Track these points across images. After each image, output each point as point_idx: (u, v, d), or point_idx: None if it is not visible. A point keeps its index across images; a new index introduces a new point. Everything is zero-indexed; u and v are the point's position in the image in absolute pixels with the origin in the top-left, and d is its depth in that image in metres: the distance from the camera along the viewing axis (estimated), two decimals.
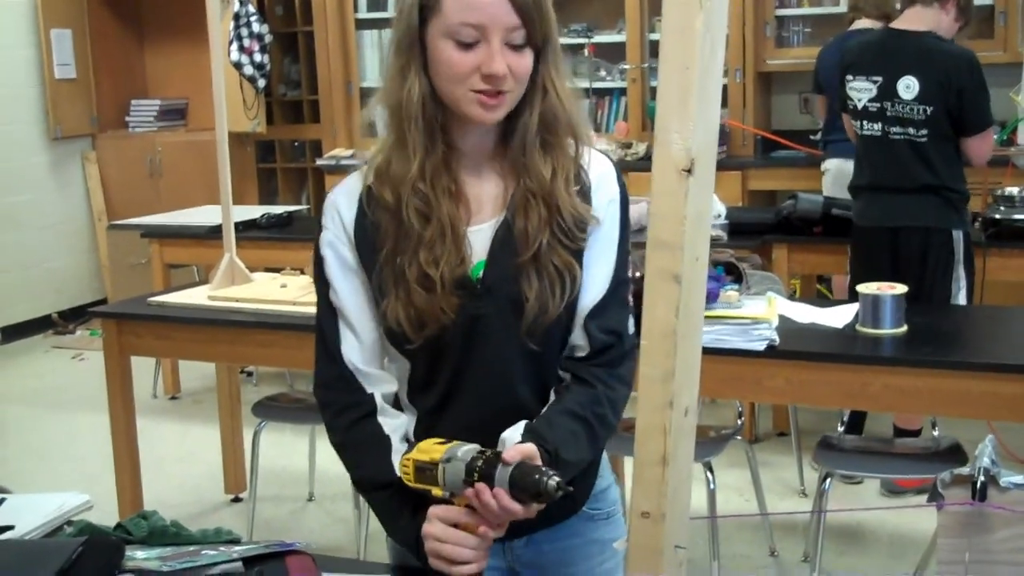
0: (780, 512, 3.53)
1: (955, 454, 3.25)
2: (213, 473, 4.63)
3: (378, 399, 1.69)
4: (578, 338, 1.68)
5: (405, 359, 1.70)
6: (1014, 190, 4.43)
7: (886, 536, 4.02)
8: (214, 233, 4.68)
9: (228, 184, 3.82)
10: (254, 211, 5.57)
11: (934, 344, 3.08)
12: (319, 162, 6.91)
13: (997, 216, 4.33)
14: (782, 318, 3.18)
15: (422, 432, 1.69)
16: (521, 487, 1.42)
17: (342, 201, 1.70)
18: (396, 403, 1.74)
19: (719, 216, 4.43)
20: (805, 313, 3.30)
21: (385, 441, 1.66)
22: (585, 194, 1.68)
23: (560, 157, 1.66)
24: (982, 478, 1.32)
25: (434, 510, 1.52)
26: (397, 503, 1.60)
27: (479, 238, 1.66)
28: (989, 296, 4.28)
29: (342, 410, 1.70)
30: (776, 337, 3.05)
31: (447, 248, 1.62)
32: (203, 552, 1.52)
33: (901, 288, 3.15)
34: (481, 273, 1.65)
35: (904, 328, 3.13)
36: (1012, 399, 2.87)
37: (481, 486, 1.45)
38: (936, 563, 1.37)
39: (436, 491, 1.49)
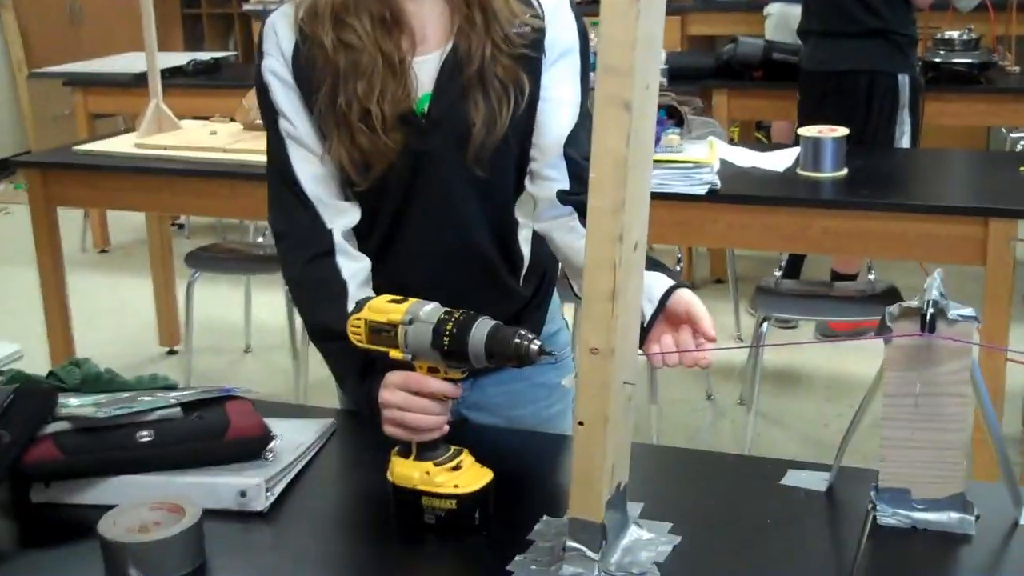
0: (726, 347, 3.56)
1: (891, 297, 3.29)
2: (147, 326, 4.57)
3: (337, 236, 1.59)
4: (552, 170, 1.59)
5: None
6: (954, 34, 4.40)
7: (820, 379, 4.10)
8: (140, 80, 4.52)
9: (152, 27, 3.67)
10: (180, 58, 5.39)
11: (873, 187, 3.08)
12: (246, 7, 6.67)
13: (937, 60, 4.30)
14: (723, 162, 3.16)
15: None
16: (500, 353, 1.32)
17: (282, 26, 1.59)
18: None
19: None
20: (746, 157, 3.28)
21: (342, 287, 1.57)
22: (539, 18, 1.59)
23: None
24: (931, 310, 1.31)
25: (392, 377, 1.41)
26: (348, 359, 1.51)
27: (425, 69, 1.57)
28: (928, 140, 4.29)
29: (299, 244, 1.60)
30: (718, 181, 3.03)
31: (388, 81, 1.53)
32: (140, 398, 1.48)
33: (842, 131, 3.13)
34: (427, 106, 1.57)
35: (844, 171, 3.12)
36: (948, 240, 2.89)
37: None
38: (883, 396, 1.37)
39: (395, 353, 1.38)
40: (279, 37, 1.58)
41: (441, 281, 1.59)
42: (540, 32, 1.58)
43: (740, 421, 3.73)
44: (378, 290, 1.50)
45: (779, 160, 3.25)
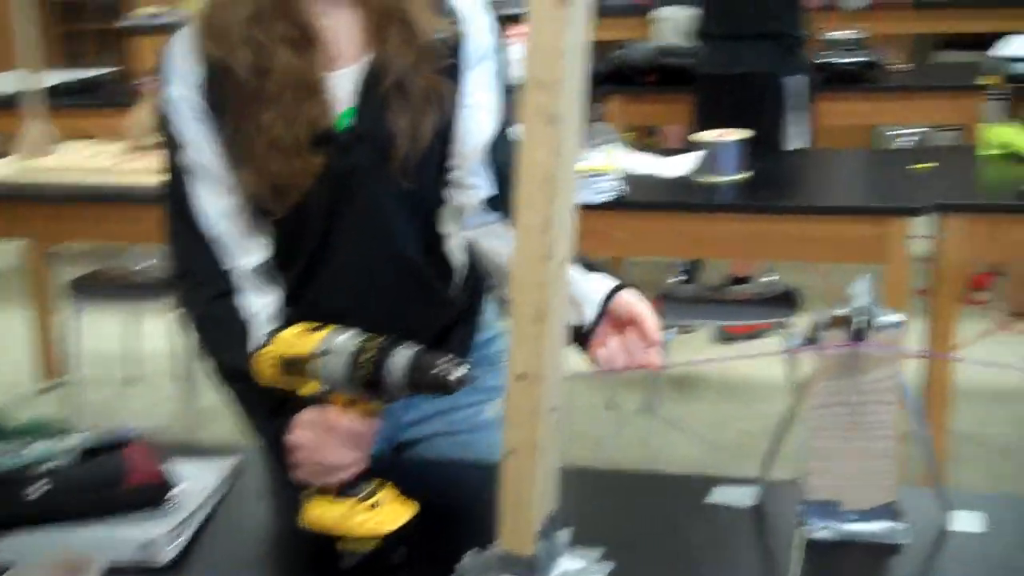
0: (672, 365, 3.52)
1: (788, 299, 3.31)
2: (28, 358, 4.38)
3: (240, 275, 1.50)
4: (475, 177, 1.55)
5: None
6: (841, 34, 4.45)
7: (717, 383, 4.10)
8: (15, 100, 4.32)
9: (32, 44, 3.53)
10: (59, 76, 5.18)
11: (772, 189, 3.09)
12: (126, 23, 6.46)
13: (824, 60, 4.35)
14: (622, 169, 3.14)
15: (291, 304, 1.55)
16: (420, 382, 1.24)
17: (184, 51, 1.49)
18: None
19: None
20: (645, 163, 3.26)
21: (244, 326, 1.47)
22: (457, 24, 1.54)
23: None
24: (863, 318, 1.29)
25: (306, 416, 1.33)
26: (255, 398, 1.42)
27: (343, 83, 1.49)
28: (820, 140, 4.33)
29: (199, 284, 1.50)
30: (622, 188, 3.00)
31: (301, 104, 1.45)
32: (30, 446, 1.38)
33: (741, 134, 3.13)
34: (350, 121, 1.50)
35: (744, 174, 3.12)
36: (848, 241, 2.91)
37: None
38: (812, 406, 1.34)
39: (310, 387, 1.30)
40: (181, 62, 1.49)
41: (371, 297, 1.53)
42: (459, 38, 1.53)
43: (643, 428, 3.71)
44: (306, 314, 1.42)
45: (678, 165, 3.24)
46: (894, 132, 5.53)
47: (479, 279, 1.69)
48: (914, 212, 2.84)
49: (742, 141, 3.11)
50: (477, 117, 1.55)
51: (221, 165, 1.48)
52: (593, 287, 1.42)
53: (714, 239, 3.01)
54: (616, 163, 3.08)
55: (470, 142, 1.55)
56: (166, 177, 1.52)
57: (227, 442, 1.71)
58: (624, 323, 1.40)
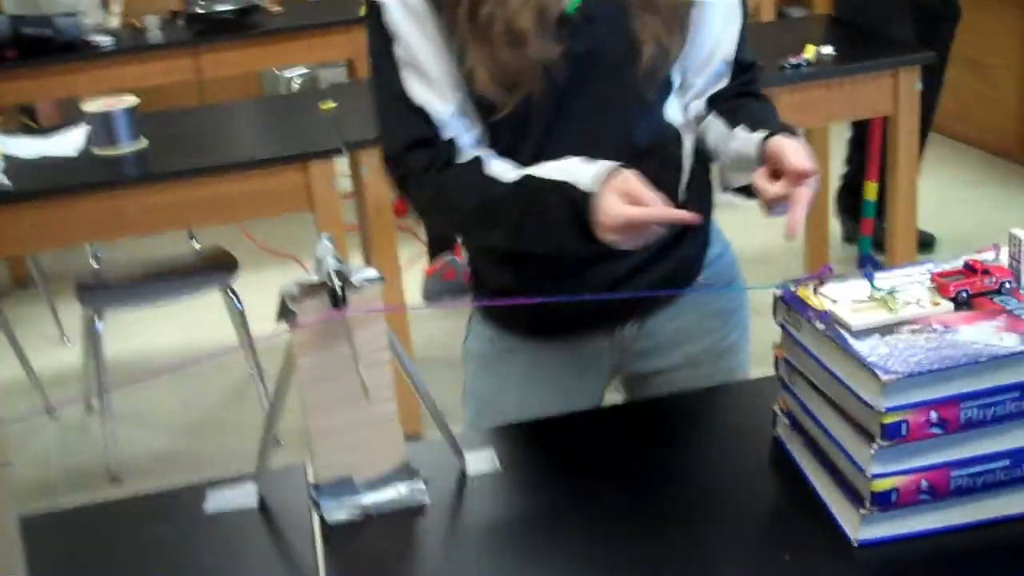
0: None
1: (222, 259, 3.23)
2: None
3: (459, 147, 1.43)
4: (721, 69, 1.50)
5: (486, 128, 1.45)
6: None
7: (170, 364, 3.83)
8: None
9: None
10: None
11: (180, 153, 2.92)
12: None
13: (199, 11, 4.19)
14: (6, 158, 2.79)
15: None
16: None
17: None
18: None
19: None
20: (31, 146, 2.94)
21: (477, 161, 1.41)
22: None
23: None
24: (340, 282, 1.17)
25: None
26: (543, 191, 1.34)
27: None
28: (208, 94, 4.16)
29: (427, 167, 1.41)
30: (5, 180, 2.66)
31: None
32: None
33: (131, 100, 2.92)
34: (579, 5, 1.40)
35: (143, 142, 2.90)
36: (274, 193, 2.83)
37: None
38: (300, 384, 1.22)
39: None
40: None
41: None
42: None
43: (94, 430, 3.38)
44: None
45: (68, 143, 2.95)
46: (291, 73, 5.50)
47: (706, 184, 1.60)
48: (334, 153, 2.82)
49: (133, 107, 2.89)
50: (723, 38, 1.49)
51: (442, 63, 1.41)
52: (752, 143, 1.38)
53: (127, 216, 2.76)
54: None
55: (705, 41, 1.48)
56: (376, 77, 1.46)
57: None
58: (776, 166, 1.33)
